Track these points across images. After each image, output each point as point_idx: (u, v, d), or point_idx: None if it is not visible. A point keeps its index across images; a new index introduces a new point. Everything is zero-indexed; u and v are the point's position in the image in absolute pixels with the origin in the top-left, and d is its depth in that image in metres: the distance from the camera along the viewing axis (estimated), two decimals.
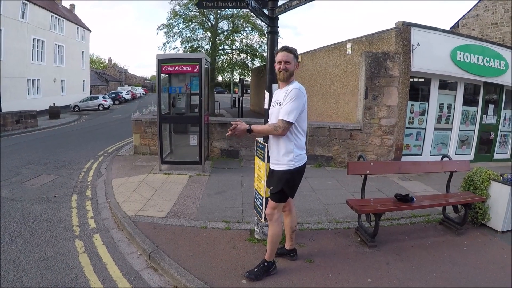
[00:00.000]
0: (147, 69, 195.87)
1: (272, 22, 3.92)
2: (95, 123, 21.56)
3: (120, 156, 9.67)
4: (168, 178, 7.08)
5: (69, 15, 38.11)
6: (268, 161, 3.46)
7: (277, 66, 3.16)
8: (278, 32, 4.03)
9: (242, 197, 5.84)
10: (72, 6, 42.04)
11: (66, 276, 3.61)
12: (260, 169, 3.92)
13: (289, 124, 2.96)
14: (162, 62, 7.15)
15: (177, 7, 24.35)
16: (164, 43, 25.43)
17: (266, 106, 3.74)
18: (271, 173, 3.32)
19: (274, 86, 3.78)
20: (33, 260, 3.96)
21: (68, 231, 4.75)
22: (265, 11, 4.11)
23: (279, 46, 3.49)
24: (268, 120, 3.39)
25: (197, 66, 7.02)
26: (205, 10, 23.22)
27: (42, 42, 29.42)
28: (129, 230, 4.57)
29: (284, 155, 3.11)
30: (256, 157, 4.10)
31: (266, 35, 4.08)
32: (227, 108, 28.85)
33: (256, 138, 3.99)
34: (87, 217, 5.28)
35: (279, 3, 3.98)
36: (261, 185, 3.90)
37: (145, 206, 5.42)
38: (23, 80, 26.69)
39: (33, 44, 27.98)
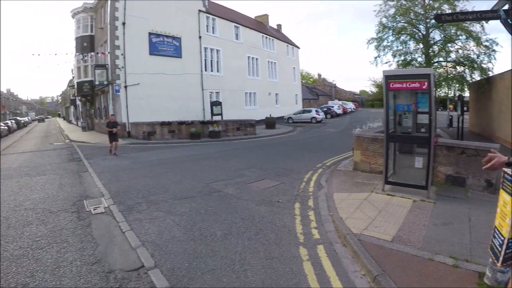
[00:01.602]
0: (355, 83, 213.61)
1: None
2: (309, 136, 23.97)
3: (340, 170, 10.48)
4: (391, 200, 7.29)
5: (278, 35, 45.15)
6: None
7: None
8: None
9: (470, 233, 5.56)
10: (279, 26, 49.86)
11: (289, 279, 4.13)
12: (505, 205, 3.67)
13: None
14: (389, 78, 7.60)
15: (384, 19, 25.87)
16: (375, 57, 26.66)
17: None
18: None
19: None
20: (258, 257, 4.69)
21: (292, 237, 5.39)
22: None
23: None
24: None
25: (425, 83, 7.17)
26: (414, 20, 24.67)
27: (256, 59, 36.46)
28: (354, 247, 4.84)
29: None
30: (501, 190, 3.82)
31: None
32: (443, 127, 27.69)
33: (504, 169, 3.63)
34: (311, 226, 5.86)
35: None
36: (504, 224, 3.64)
37: (370, 226, 5.69)
38: (241, 93, 33.59)
39: (248, 62, 35.06)
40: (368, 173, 9.94)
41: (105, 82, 24.39)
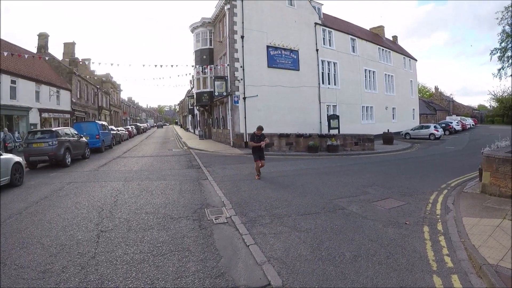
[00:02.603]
0: (473, 97, 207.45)
1: None
2: (428, 153, 23.27)
3: (466, 193, 10.00)
4: None
5: (394, 46, 44.33)
6: None
7: None
8: None
9: None
10: (395, 37, 48.97)
11: None
12: None
13: None
14: None
15: (507, 27, 24.49)
16: (499, 69, 25.96)
17: None
18: None
19: None
20: (391, 284, 4.65)
21: (424, 264, 5.28)
22: None
23: None
24: None
25: None
26: None
27: (373, 72, 36.19)
28: (492, 280, 4.64)
29: None
30: None
31: None
32: None
33: None
34: (442, 253, 5.70)
35: None
36: None
37: (506, 257, 5.38)
38: (358, 107, 33.41)
39: (365, 74, 34.89)
40: (497, 197, 9.33)
41: (224, 93, 25.84)
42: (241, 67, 24.58)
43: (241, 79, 24.58)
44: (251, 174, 13.28)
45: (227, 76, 25.70)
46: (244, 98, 24.60)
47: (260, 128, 12.52)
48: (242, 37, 24.61)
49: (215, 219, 7.48)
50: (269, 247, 5.88)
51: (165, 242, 6.06)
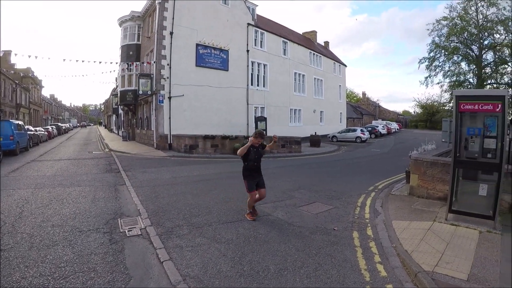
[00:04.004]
0: (398, 104, 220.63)
1: None
2: (355, 156, 23.73)
3: (395, 195, 10.10)
4: (457, 231, 6.90)
5: (325, 52, 45.60)
6: None
7: None
8: None
9: None
10: (327, 43, 50.61)
11: None
12: None
13: None
14: (460, 99, 7.31)
15: (436, 39, 26.52)
16: (426, 77, 27.79)
17: None
18: None
19: None
20: None
21: (356, 274, 4.91)
22: None
23: None
24: None
25: (499, 105, 6.87)
26: (468, 41, 25.10)
27: (303, 76, 36.79)
28: None
29: None
30: None
31: None
32: None
33: None
34: (374, 261, 5.38)
35: None
36: None
37: (440, 262, 5.27)
38: (286, 109, 33.61)
39: (294, 78, 35.33)
40: (425, 199, 9.61)
41: (149, 92, 24.62)
42: (168, 64, 23.53)
43: (167, 78, 23.53)
44: (172, 178, 12.50)
45: (152, 74, 24.53)
46: (170, 98, 23.56)
47: (260, 135, 7.54)
48: (171, 33, 23.57)
49: (128, 230, 6.64)
50: (185, 263, 5.23)
51: (70, 261, 5.22)
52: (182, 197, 9.55)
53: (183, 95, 23.93)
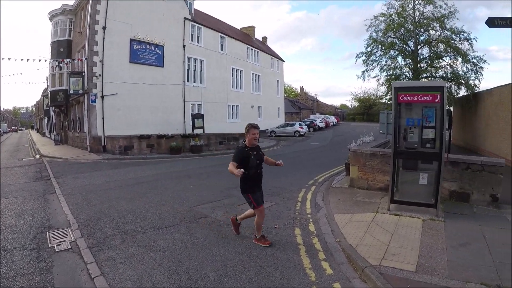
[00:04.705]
0: (336, 98, 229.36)
1: None
2: (294, 150, 23.80)
3: (335, 188, 10.08)
4: (400, 221, 6.90)
5: (263, 47, 45.70)
6: None
7: None
8: None
9: (491, 253, 5.31)
10: (265, 38, 50.76)
11: None
12: None
13: None
14: (399, 90, 7.37)
15: (374, 34, 27.27)
16: (363, 71, 28.16)
17: None
18: None
19: None
20: None
21: (301, 275, 4.64)
22: None
23: None
24: None
25: (438, 96, 7.00)
26: (404, 36, 26.41)
27: (240, 71, 36.56)
28: (378, 284, 4.31)
29: None
30: None
31: None
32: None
33: None
34: (319, 258, 5.15)
35: None
36: None
37: (387, 254, 5.16)
38: (224, 106, 33.26)
39: (232, 73, 34.98)
40: (366, 190, 9.71)
41: (81, 91, 23.13)
42: (100, 61, 22.19)
43: (100, 75, 22.20)
44: (105, 182, 11.71)
45: (84, 72, 23.02)
46: (103, 97, 22.23)
47: (255, 127, 5.91)
48: (104, 28, 22.22)
49: (57, 245, 5.94)
50: (118, 278, 4.74)
51: None
52: (116, 203, 8.87)
53: (116, 93, 22.72)
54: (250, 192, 5.75)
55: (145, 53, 24.79)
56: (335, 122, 62.25)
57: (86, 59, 22.36)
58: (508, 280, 4.44)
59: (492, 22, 4.56)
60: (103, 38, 22.16)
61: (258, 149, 5.91)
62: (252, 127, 5.78)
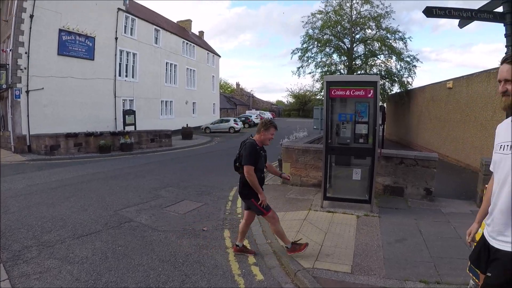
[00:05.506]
0: (272, 94, 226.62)
1: None
2: (228, 146, 23.28)
3: (268, 185, 9.70)
4: (334, 218, 6.79)
5: (199, 41, 44.82)
6: None
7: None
8: None
9: (428, 248, 5.33)
10: (201, 32, 49.72)
11: None
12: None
13: None
14: (331, 85, 7.21)
15: (310, 31, 27.77)
16: (299, 68, 28.76)
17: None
18: (493, 252, 2.20)
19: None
20: None
21: (229, 282, 4.32)
22: None
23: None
24: (494, 170, 2.36)
25: (371, 91, 6.94)
26: (341, 34, 27.03)
27: (175, 66, 35.62)
28: None
29: None
30: None
31: None
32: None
33: None
34: (249, 263, 4.86)
35: None
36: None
37: (320, 255, 4.97)
38: (157, 101, 32.20)
39: (166, 68, 33.96)
40: (299, 186, 9.62)
41: (4, 86, 21.00)
42: (26, 53, 20.48)
43: (25, 68, 20.51)
44: (27, 186, 10.65)
45: (8, 64, 20.95)
46: (27, 92, 20.57)
47: (274, 128, 5.15)
48: (32, 16, 20.47)
49: None
50: None
51: None
52: (35, 210, 7.98)
53: (43, 88, 21.11)
54: (254, 197, 4.89)
55: (75, 44, 23.22)
56: (271, 118, 63.11)
57: (10, 50, 20.49)
58: (447, 275, 4.45)
59: (430, 12, 4.52)
60: (30, 27, 20.46)
61: (264, 149, 5.18)
62: (273, 126, 5.02)
